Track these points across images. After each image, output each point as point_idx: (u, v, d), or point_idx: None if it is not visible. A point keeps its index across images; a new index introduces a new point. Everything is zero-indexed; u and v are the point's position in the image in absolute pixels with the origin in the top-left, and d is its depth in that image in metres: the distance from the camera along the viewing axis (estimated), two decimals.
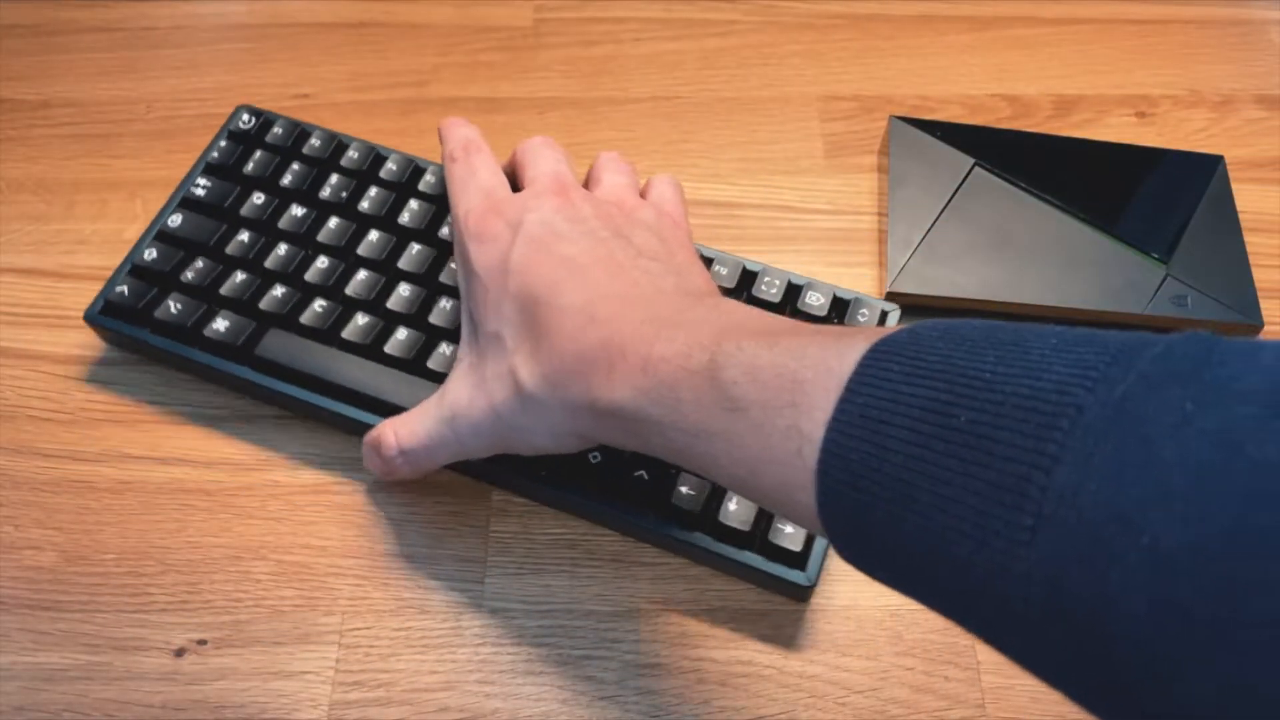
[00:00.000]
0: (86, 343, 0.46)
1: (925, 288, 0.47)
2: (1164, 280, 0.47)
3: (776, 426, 0.27)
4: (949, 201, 0.49)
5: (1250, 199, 0.52)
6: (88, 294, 0.46)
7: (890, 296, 0.47)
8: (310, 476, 0.43)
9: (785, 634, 0.39)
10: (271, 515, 0.42)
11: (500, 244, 0.36)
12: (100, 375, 0.45)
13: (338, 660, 0.39)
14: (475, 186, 0.39)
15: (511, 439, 0.35)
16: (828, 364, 0.26)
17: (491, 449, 0.37)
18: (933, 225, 0.48)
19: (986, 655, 0.39)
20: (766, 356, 0.28)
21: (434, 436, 0.37)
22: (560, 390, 0.33)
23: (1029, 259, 0.48)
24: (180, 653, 0.39)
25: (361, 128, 0.53)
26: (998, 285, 0.47)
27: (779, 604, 0.40)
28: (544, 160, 0.39)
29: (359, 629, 0.39)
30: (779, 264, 0.46)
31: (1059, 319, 0.47)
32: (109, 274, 0.45)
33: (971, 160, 0.50)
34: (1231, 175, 0.51)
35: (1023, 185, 0.50)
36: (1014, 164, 0.51)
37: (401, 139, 0.53)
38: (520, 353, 0.34)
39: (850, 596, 0.40)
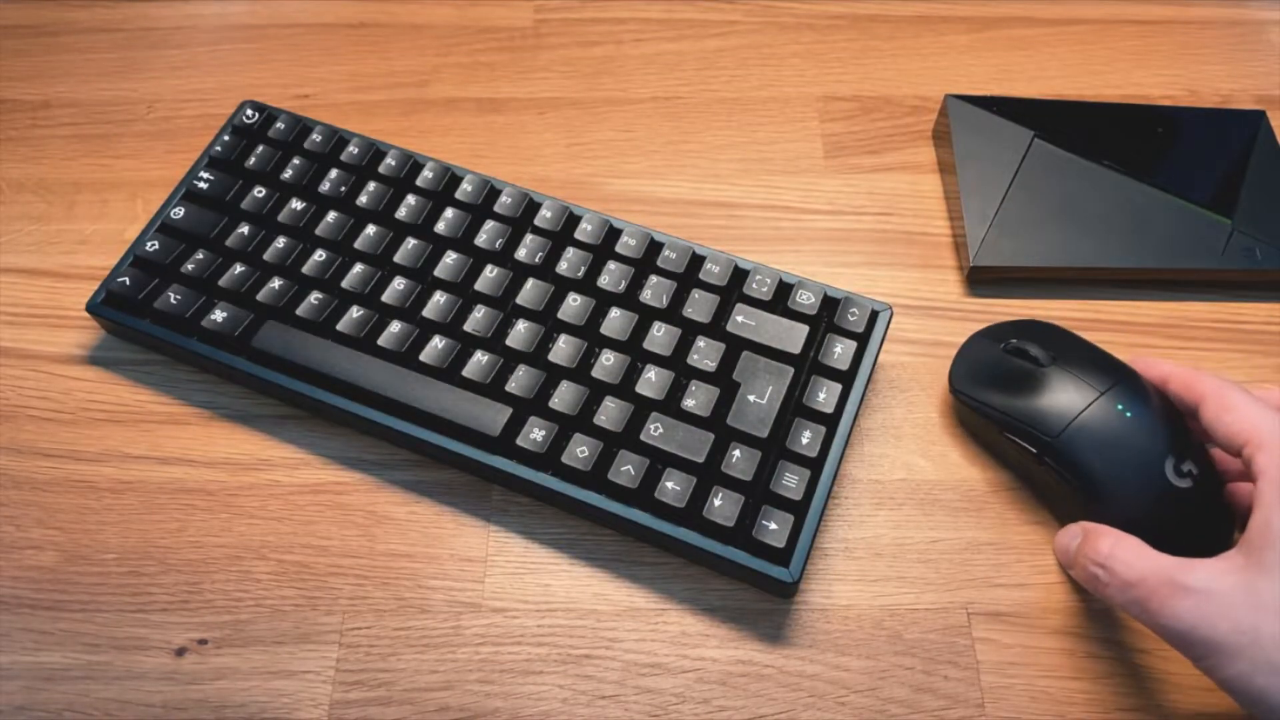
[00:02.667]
0: (87, 342, 0.46)
1: (1006, 259, 0.48)
2: (1231, 234, 0.48)
3: None
4: (1015, 174, 0.50)
5: None
6: (89, 294, 0.46)
7: (973, 271, 0.48)
8: (310, 476, 0.43)
9: (785, 634, 0.39)
10: (272, 515, 0.42)
11: None
12: (101, 374, 0.45)
13: (338, 660, 0.39)
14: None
15: (1233, 659, 0.32)
16: None
17: (1188, 639, 0.33)
18: (1004, 199, 0.49)
19: (986, 655, 0.39)
20: None
21: (1150, 579, 0.34)
22: None
23: (1099, 223, 0.49)
24: (181, 652, 0.39)
25: (362, 128, 0.53)
26: (1074, 251, 0.48)
27: (778, 604, 0.40)
28: None
29: (359, 629, 0.39)
30: (779, 265, 0.46)
31: (1138, 279, 0.48)
32: (109, 274, 0.45)
33: (1031, 133, 0.51)
34: None
35: (1082, 153, 0.51)
36: (1071, 132, 0.52)
37: (402, 139, 0.53)
38: None
39: (849, 596, 0.40)
